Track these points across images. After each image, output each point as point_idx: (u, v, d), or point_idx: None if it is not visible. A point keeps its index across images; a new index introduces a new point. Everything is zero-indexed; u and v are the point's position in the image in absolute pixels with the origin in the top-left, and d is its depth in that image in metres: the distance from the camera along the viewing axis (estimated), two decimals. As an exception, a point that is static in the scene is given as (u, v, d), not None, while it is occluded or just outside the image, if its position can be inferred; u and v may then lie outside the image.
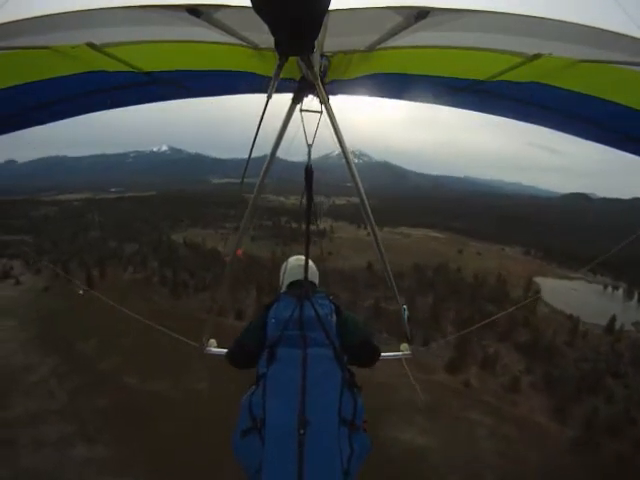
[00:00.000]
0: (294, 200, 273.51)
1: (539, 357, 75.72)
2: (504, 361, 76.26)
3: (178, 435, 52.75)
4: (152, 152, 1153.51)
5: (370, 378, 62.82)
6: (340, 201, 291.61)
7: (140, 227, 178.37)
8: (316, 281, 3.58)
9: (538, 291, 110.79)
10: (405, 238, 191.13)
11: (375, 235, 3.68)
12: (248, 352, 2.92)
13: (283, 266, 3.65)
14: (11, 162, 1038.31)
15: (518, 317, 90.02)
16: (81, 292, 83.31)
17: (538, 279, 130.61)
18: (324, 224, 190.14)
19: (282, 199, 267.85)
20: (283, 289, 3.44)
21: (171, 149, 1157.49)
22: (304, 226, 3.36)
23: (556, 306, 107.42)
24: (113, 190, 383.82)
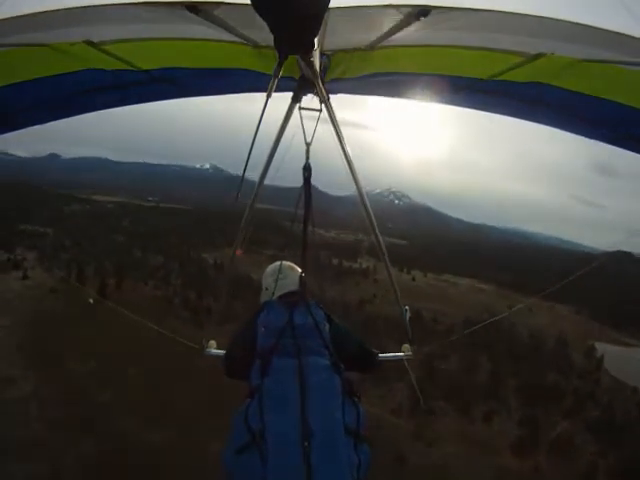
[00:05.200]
0: (334, 234, 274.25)
1: (612, 437, 68.25)
2: (574, 441, 69.14)
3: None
4: (195, 168, 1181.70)
5: (425, 458, 59.92)
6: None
7: (169, 240, 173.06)
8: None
9: (601, 359, 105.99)
10: (451, 287, 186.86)
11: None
12: (238, 363, 2.97)
13: (269, 271, 3.60)
14: (54, 156, 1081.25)
15: (584, 389, 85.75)
16: (91, 301, 75.65)
17: (598, 344, 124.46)
18: (367, 263, 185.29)
19: (322, 231, 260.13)
20: (273, 297, 3.38)
21: (213, 168, 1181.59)
22: (306, 224, 3.49)
23: (619, 377, 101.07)
24: (150, 199, 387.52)
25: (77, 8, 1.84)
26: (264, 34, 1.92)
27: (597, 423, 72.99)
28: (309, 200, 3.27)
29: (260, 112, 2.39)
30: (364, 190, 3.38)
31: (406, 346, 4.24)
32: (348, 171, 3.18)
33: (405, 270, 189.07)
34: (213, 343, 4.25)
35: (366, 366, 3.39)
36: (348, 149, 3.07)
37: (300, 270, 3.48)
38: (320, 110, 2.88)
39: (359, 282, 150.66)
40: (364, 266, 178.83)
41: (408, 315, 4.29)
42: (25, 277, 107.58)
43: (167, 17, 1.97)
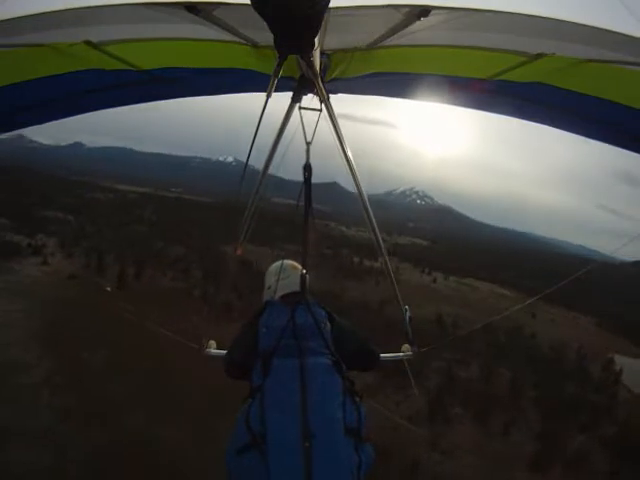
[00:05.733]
0: (355, 231, 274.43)
1: (628, 454, 65.71)
2: (591, 457, 67.25)
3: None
4: (218, 161, 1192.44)
5: (440, 467, 58.72)
6: (403, 241, 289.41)
7: (191, 231, 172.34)
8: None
9: (619, 373, 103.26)
10: (472, 291, 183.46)
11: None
12: (239, 364, 3.02)
13: (272, 269, 3.67)
14: (79, 144, 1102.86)
15: (602, 404, 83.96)
16: (108, 289, 76.35)
17: (617, 357, 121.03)
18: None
19: (343, 229, 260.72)
20: (273, 297, 3.40)
21: (237, 161, 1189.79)
22: (305, 224, 3.42)
23: (637, 391, 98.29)
24: (173, 190, 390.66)
25: (77, 9, 1.86)
26: (264, 34, 1.89)
27: (614, 439, 71.65)
28: (309, 200, 3.23)
29: (260, 112, 2.53)
30: (364, 189, 3.42)
31: (406, 346, 4.27)
32: (351, 171, 3.22)
33: (426, 271, 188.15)
34: (213, 343, 4.28)
35: (367, 365, 3.37)
36: (348, 150, 3.11)
37: (300, 267, 3.43)
38: (320, 110, 2.90)
39: (380, 282, 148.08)
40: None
41: (408, 315, 4.25)
42: (44, 263, 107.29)
43: (167, 17, 1.99)
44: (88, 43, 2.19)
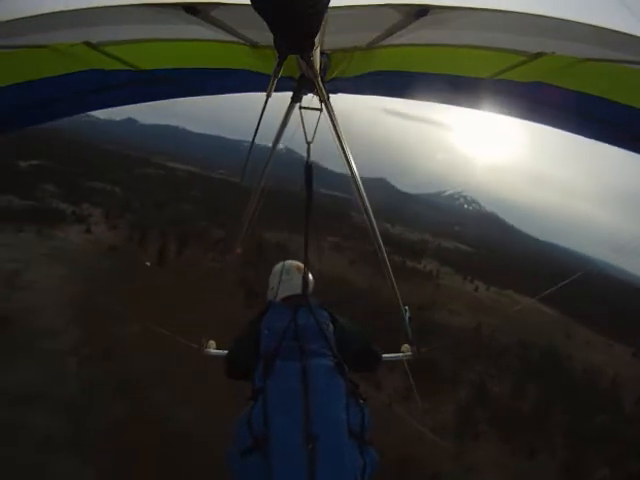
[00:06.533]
0: (400, 230, 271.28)
1: None
2: None
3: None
4: (268, 147, 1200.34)
5: None
6: (447, 244, 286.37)
7: (234, 214, 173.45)
8: (310, 290, 3.52)
9: None
10: (513, 304, 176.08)
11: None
12: (240, 365, 3.05)
13: (275, 270, 3.68)
14: (132, 120, 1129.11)
15: (630, 438, 78.85)
16: (148, 264, 77.67)
17: None
18: (430, 266, 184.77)
19: (388, 226, 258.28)
20: (276, 298, 3.47)
21: (288, 150, 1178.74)
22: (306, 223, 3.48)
23: None
24: (221, 172, 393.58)
25: (76, 10, 1.90)
26: (263, 34, 1.95)
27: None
28: (310, 202, 3.27)
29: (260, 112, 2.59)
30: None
31: (406, 346, 4.29)
32: (350, 171, 3.28)
33: (468, 279, 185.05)
34: (213, 343, 4.34)
35: (370, 365, 3.42)
36: (348, 149, 3.14)
37: (309, 273, 3.42)
38: (320, 109, 2.95)
39: (420, 284, 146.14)
40: (427, 269, 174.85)
41: (408, 315, 4.26)
42: (87, 232, 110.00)
43: (166, 18, 2.01)
44: (88, 44, 2.23)
